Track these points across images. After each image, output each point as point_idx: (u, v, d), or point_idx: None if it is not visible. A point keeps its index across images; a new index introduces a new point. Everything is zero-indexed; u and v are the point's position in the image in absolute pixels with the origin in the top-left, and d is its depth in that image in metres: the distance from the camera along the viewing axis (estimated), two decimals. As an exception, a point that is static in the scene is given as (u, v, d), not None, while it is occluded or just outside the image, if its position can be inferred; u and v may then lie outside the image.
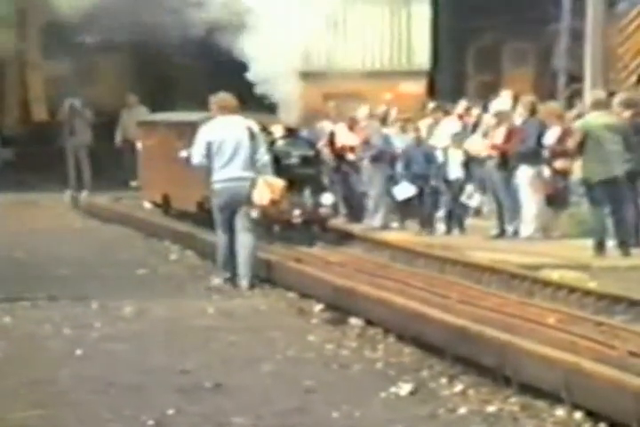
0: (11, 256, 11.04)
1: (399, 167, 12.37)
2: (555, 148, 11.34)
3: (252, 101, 11.90)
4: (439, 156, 12.08)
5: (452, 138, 12.06)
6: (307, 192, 11.22)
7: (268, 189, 8.92)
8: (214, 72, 17.26)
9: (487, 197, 11.97)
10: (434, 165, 11.91)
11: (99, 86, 19.42)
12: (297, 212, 10.99)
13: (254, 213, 9.02)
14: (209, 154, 9.03)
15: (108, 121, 17.94)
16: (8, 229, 13.59)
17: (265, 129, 11.60)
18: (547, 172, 11.37)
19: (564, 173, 11.57)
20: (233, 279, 9.09)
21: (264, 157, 9.14)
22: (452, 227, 11.86)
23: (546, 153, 11.36)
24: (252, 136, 9.07)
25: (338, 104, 14.02)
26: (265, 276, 9.33)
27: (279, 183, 9.08)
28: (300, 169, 11.25)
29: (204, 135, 9.15)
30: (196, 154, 9.15)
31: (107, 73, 19.82)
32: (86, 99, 18.07)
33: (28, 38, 19.81)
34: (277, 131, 11.45)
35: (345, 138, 13.01)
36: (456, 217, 11.88)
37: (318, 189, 11.35)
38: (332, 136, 13.02)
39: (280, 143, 11.40)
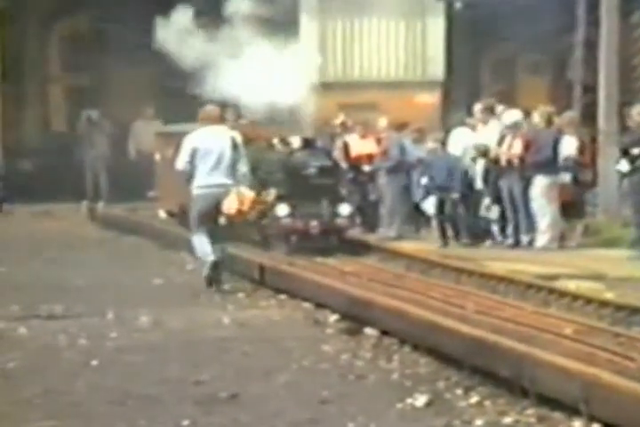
0: (28, 267, 11.08)
1: (415, 176, 12.33)
2: (577, 159, 11.33)
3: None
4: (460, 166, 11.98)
5: (476, 148, 11.93)
6: (324, 203, 11.21)
7: (237, 199, 9.34)
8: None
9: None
10: (456, 176, 11.82)
11: (117, 98, 19.51)
12: (314, 222, 10.99)
13: (222, 220, 9.52)
14: (193, 161, 9.52)
15: (125, 133, 18.02)
16: (25, 239, 13.64)
17: (283, 140, 11.63)
18: (567, 178, 11.31)
19: (584, 185, 11.55)
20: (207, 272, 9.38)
21: (244, 167, 9.58)
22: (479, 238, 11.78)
23: (567, 163, 11.33)
24: (235, 146, 9.52)
25: (350, 115, 14.02)
26: (281, 286, 9.34)
27: (250, 195, 9.48)
28: (317, 179, 11.26)
29: (189, 143, 9.64)
30: (181, 160, 9.64)
31: (126, 85, 19.91)
32: (104, 110, 18.17)
33: (49, 51, 19.95)
34: (295, 142, 11.46)
35: (360, 147, 13.01)
36: (480, 229, 11.80)
37: (336, 200, 11.32)
38: (346, 147, 13.02)
39: (298, 154, 11.41)
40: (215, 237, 9.53)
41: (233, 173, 9.47)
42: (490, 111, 12.12)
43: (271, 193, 11.22)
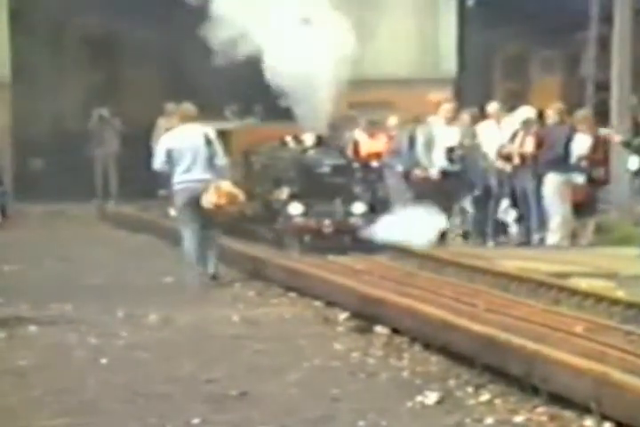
0: (38, 265, 11.10)
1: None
2: (592, 157, 11.29)
3: (279, 111, 11.89)
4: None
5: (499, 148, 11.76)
6: (338, 201, 11.07)
7: (215, 193, 9.65)
8: (242, 82, 17.29)
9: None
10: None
11: (129, 96, 19.53)
12: (328, 221, 10.89)
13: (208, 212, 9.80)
14: (169, 160, 9.88)
15: (136, 130, 18.01)
16: (36, 238, 13.67)
17: (296, 138, 11.55)
18: (580, 178, 11.28)
19: (597, 182, 11.51)
20: (204, 273, 9.73)
21: (221, 161, 9.92)
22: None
23: (578, 161, 11.29)
24: (208, 142, 9.86)
25: (361, 113, 13.98)
26: (291, 284, 9.33)
27: (227, 188, 9.75)
28: (331, 178, 11.12)
29: (164, 143, 10.05)
30: (157, 161, 10.01)
31: (138, 83, 19.94)
32: (116, 108, 18.18)
33: (63, 49, 20.00)
34: (308, 139, 11.35)
35: (369, 145, 12.98)
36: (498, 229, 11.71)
37: (349, 199, 11.15)
38: (356, 145, 12.96)
39: (311, 152, 11.30)
40: (205, 228, 9.83)
41: (211, 168, 9.80)
42: (455, 111, 12.13)
43: (284, 191, 11.16)
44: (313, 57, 11.06)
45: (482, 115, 12.65)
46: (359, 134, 13.15)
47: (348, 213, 11.06)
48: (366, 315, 7.79)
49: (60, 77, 20.01)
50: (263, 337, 7.37)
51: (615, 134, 11.43)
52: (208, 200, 9.61)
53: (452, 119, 11.93)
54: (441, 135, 11.82)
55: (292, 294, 9.13)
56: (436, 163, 11.78)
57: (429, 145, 11.74)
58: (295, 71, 10.83)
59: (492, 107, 12.33)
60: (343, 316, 8.04)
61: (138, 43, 19.73)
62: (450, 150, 11.67)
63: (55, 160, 18.50)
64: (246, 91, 16.60)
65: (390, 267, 10.03)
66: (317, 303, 8.64)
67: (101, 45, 19.72)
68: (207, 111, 10.77)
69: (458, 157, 11.60)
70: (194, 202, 9.78)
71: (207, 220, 9.85)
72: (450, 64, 17.90)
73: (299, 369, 6.43)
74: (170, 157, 9.85)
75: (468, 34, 18.41)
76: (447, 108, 12.16)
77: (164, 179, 13.69)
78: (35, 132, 19.23)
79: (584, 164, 11.40)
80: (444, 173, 11.76)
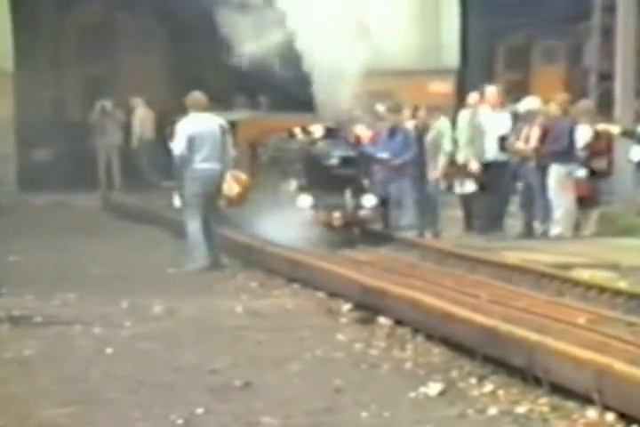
0: (42, 256, 11.13)
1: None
2: (592, 147, 11.27)
3: (286, 101, 11.86)
4: None
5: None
6: (347, 194, 10.86)
7: (235, 182, 9.96)
8: (246, 73, 17.25)
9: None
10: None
11: (132, 87, 19.54)
12: (337, 214, 10.77)
13: (222, 202, 10.11)
14: (190, 146, 9.99)
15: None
16: (41, 228, 13.70)
17: (304, 129, 11.44)
18: (582, 172, 11.27)
19: (599, 174, 11.51)
20: (209, 262, 9.94)
21: (232, 152, 10.21)
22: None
23: (581, 153, 11.28)
24: (223, 132, 10.09)
25: (364, 104, 13.92)
26: (294, 275, 9.35)
27: (243, 177, 10.10)
28: (340, 170, 10.88)
29: (184, 129, 10.14)
30: (179, 146, 10.09)
31: (140, 73, 19.95)
32: (118, 99, 18.19)
33: (64, 40, 20.00)
34: (317, 131, 11.23)
35: (368, 138, 12.94)
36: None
37: (359, 191, 10.93)
38: (357, 139, 12.89)
39: (320, 144, 11.11)
40: (209, 219, 10.03)
41: (223, 158, 10.03)
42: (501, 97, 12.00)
43: (292, 184, 11.05)
44: (343, 44, 11.03)
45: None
46: (360, 128, 13.08)
47: (358, 206, 10.88)
48: (369, 306, 7.81)
49: (62, 68, 20.01)
50: (266, 328, 7.38)
51: (612, 126, 11.37)
52: (231, 189, 9.88)
53: (499, 105, 11.51)
54: (490, 123, 11.43)
55: (295, 285, 9.15)
56: (487, 152, 11.41)
57: (473, 136, 11.51)
58: (325, 58, 10.76)
59: (473, 97, 12.15)
60: (346, 307, 8.06)
61: (140, 32, 19.73)
62: (502, 139, 11.35)
63: (59, 151, 18.52)
64: (251, 81, 16.58)
65: (393, 258, 10.04)
66: (320, 294, 8.65)
67: (104, 35, 19.71)
68: (215, 102, 10.76)
69: (511, 145, 11.28)
70: (209, 191, 9.95)
71: (214, 209, 10.05)
72: (451, 54, 17.86)
73: (301, 360, 6.45)
74: (191, 144, 9.95)
75: (470, 24, 18.38)
76: (493, 91, 11.66)
77: (170, 170, 13.72)
78: (38, 123, 19.24)
79: (584, 154, 11.38)
80: (487, 165, 11.44)
